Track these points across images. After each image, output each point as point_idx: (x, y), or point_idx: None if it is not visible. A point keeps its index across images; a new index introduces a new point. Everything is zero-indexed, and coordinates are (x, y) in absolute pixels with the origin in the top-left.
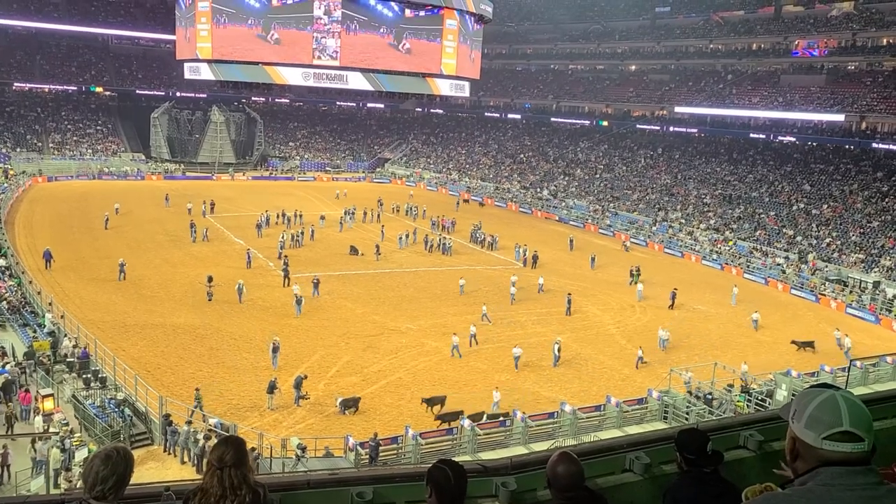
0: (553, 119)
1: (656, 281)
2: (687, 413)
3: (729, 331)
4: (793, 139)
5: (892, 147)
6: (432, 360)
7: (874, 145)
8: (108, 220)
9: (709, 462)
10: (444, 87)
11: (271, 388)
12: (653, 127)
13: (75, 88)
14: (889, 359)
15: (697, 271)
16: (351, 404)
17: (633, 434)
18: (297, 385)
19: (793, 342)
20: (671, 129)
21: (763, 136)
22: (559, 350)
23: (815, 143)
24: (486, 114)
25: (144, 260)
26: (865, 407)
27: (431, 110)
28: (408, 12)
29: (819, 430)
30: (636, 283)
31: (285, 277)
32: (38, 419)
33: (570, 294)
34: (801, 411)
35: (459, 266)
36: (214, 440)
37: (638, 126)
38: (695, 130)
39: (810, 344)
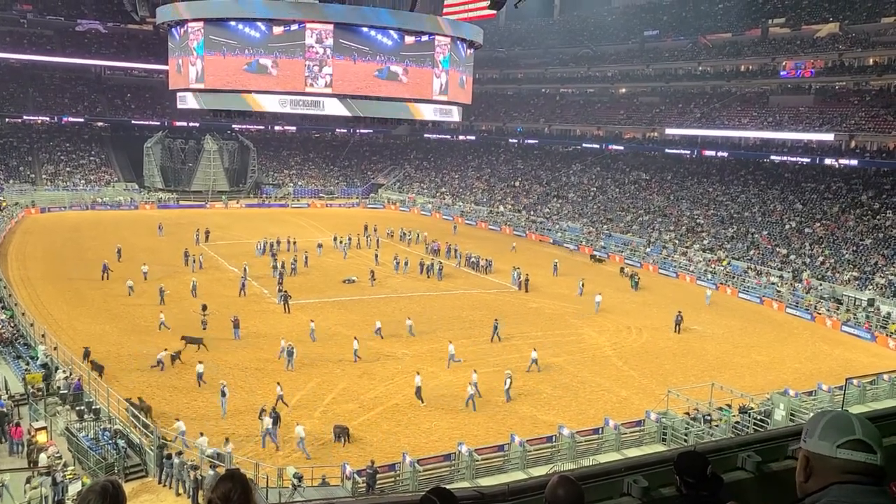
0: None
1: (652, 302)
2: (686, 434)
3: (726, 350)
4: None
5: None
6: (428, 386)
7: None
8: (120, 251)
9: (709, 486)
10: (427, 112)
11: (262, 414)
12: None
13: (68, 119)
14: (886, 377)
15: (692, 291)
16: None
17: (631, 457)
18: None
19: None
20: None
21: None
22: (510, 384)
23: (805, 162)
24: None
25: (138, 290)
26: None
27: (425, 135)
28: (408, 39)
29: (833, 438)
30: (637, 287)
31: (285, 304)
32: (43, 455)
33: (496, 319)
34: (814, 428)
35: (455, 290)
36: (210, 471)
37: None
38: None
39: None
